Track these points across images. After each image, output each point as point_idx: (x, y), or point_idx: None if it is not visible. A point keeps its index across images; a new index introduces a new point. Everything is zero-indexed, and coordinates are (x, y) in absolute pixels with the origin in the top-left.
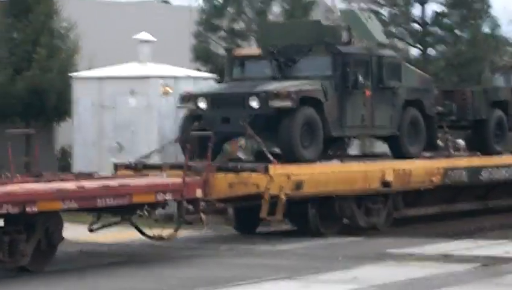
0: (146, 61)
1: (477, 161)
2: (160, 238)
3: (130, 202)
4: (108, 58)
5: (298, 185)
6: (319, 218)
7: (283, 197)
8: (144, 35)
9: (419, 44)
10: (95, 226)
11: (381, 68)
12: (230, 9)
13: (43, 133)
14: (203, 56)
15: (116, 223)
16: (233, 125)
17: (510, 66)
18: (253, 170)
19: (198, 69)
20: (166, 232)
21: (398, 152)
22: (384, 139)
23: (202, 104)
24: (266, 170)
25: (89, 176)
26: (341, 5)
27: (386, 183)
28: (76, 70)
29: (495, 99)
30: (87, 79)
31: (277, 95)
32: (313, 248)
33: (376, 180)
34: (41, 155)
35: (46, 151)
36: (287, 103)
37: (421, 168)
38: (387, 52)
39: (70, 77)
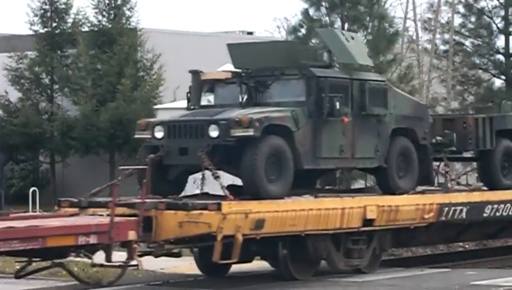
0: None
1: (478, 196)
2: (98, 284)
3: (43, 246)
4: None
5: (258, 224)
6: (292, 260)
7: (240, 237)
8: (227, 67)
9: (503, 75)
10: (23, 272)
11: (364, 94)
12: (314, 41)
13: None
14: None
15: (46, 268)
16: (191, 156)
17: None
18: (204, 208)
19: None
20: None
21: (386, 186)
22: (371, 172)
23: (159, 134)
24: (219, 208)
25: (6, 215)
26: (423, 35)
27: (368, 221)
28: (160, 102)
29: (502, 128)
30: (171, 110)
31: (239, 123)
32: (397, 279)
33: (356, 218)
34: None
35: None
36: (249, 132)
37: (411, 205)
38: (373, 76)
39: (155, 107)
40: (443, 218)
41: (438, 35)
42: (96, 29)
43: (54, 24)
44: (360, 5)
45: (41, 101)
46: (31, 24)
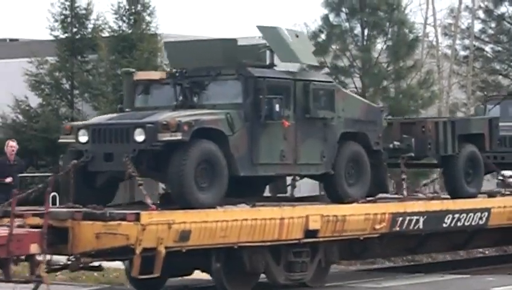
0: None
1: (437, 205)
2: None
3: None
4: None
5: (183, 236)
6: (227, 274)
7: (162, 250)
8: None
9: None
10: None
11: (308, 95)
12: (334, 46)
13: None
14: None
15: None
16: (117, 162)
17: (506, 94)
18: (123, 218)
19: None
20: None
21: (334, 194)
22: (318, 179)
23: (83, 138)
24: (137, 218)
25: None
26: (444, 40)
27: (311, 233)
28: None
29: (465, 132)
30: None
31: (166, 127)
32: (417, 285)
33: (297, 229)
34: None
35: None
36: (177, 136)
37: (360, 214)
38: (319, 76)
39: None
40: (397, 228)
41: (458, 41)
42: (116, 34)
43: (74, 29)
44: (380, 10)
45: (61, 107)
46: (52, 29)
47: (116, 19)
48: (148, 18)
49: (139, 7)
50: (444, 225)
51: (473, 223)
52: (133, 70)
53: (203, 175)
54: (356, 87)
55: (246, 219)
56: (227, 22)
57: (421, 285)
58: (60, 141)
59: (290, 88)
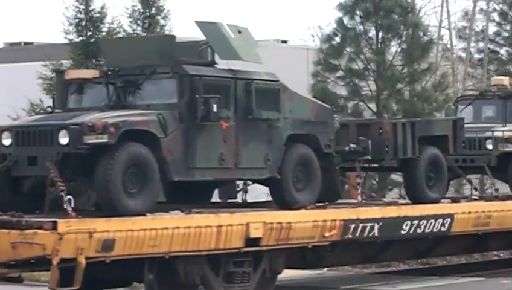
0: None
1: (393, 211)
2: None
3: None
4: None
5: (107, 246)
6: (160, 286)
7: (82, 261)
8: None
9: None
10: None
11: (250, 95)
12: (348, 49)
13: None
14: (321, 96)
15: None
16: (41, 167)
17: (478, 94)
18: (40, 227)
19: None
20: None
21: (281, 200)
22: (264, 184)
23: (7, 141)
24: (54, 227)
25: None
26: (458, 43)
27: (252, 241)
28: None
29: (426, 134)
30: None
31: (92, 129)
32: (432, 288)
33: (237, 237)
34: None
35: None
36: (103, 139)
37: (307, 221)
38: (263, 75)
39: None
40: (349, 236)
41: (472, 44)
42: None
43: (89, 33)
44: (394, 13)
45: None
46: (66, 33)
47: (131, 22)
48: (162, 21)
49: (153, 10)
50: (402, 232)
51: (435, 230)
52: (64, 69)
53: (132, 180)
54: (370, 90)
55: (178, 227)
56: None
57: (436, 288)
58: None
59: (230, 87)
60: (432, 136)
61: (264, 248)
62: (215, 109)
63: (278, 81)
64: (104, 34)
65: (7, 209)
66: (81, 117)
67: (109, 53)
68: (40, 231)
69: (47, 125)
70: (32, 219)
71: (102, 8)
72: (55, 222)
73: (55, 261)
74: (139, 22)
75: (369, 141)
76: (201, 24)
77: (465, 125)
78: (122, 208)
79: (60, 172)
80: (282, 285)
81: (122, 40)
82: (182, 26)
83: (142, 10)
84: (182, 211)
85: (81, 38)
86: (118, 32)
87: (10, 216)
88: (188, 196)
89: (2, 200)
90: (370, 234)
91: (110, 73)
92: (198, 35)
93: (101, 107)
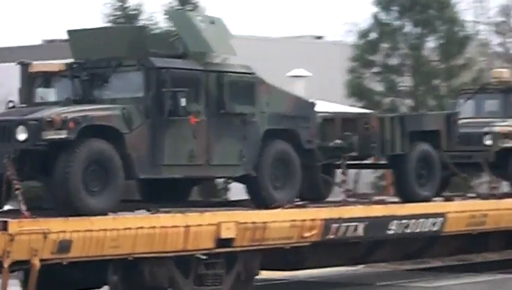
0: None
1: (379, 210)
2: None
3: None
4: None
5: (63, 247)
6: (126, 288)
7: (36, 263)
8: (298, 71)
9: None
10: None
11: (222, 88)
12: (384, 45)
13: None
14: (357, 92)
15: None
16: None
17: (479, 88)
18: None
19: (353, 105)
20: None
21: (258, 198)
22: (240, 181)
23: None
24: (4, 227)
25: None
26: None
27: (224, 241)
28: None
29: (417, 129)
30: None
31: (51, 124)
32: (469, 285)
33: (206, 238)
34: None
35: None
36: (62, 134)
37: (284, 221)
38: (236, 67)
39: None
40: (331, 236)
41: (509, 39)
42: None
43: None
44: (430, 8)
45: None
46: None
47: (167, 18)
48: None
49: (189, 7)
50: (389, 232)
51: (425, 230)
52: (29, 61)
53: (93, 178)
54: (407, 86)
55: (142, 227)
56: (278, 21)
57: (473, 284)
58: None
59: (200, 80)
60: (423, 131)
61: (238, 249)
62: (183, 103)
63: (253, 73)
64: None
65: None
66: (40, 112)
67: (76, 44)
68: None
69: (4, 121)
70: None
71: (139, 4)
72: (5, 222)
73: (6, 264)
74: None
75: (355, 137)
76: (171, 14)
77: (465, 120)
78: (83, 207)
79: (18, 169)
80: (315, 281)
81: (90, 31)
82: None
83: (178, 7)
84: (149, 211)
85: None
86: (154, 30)
87: None
88: (165, 194)
89: None
90: (354, 234)
91: (75, 66)
92: (234, 32)
93: (63, 102)
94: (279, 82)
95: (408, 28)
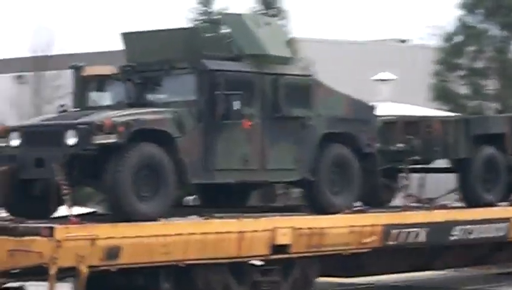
0: (387, 101)
1: (441, 215)
2: None
3: None
4: None
5: (112, 253)
6: None
7: (84, 270)
8: (384, 75)
9: None
10: None
11: (278, 91)
12: (469, 48)
13: None
14: (442, 95)
15: None
16: (48, 169)
17: None
18: (37, 233)
19: (438, 109)
20: None
21: (316, 204)
22: (298, 186)
23: (15, 141)
24: (51, 233)
25: None
26: None
27: (279, 248)
28: None
29: (482, 133)
30: None
31: (101, 128)
32: None
33: (262, 244)
34: None
35: None
36: (112, 139)
37: (342, 227)
38: (293, 69)
39: None
40: (392, 242)
41: None
42: None
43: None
44: None
45: None
46: None
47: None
48: (282, 22)
49: (273, 11)
50: (452, 238)
51: (490, 235)
52: (81, 64)
53: (144, 183)
54: (493, 89)
55: (194, 233)
56: (362, 26)
57: None
58: None
59: (255, 83)
60: (488, 134)
61: (294, 255)
62: (237, 107)
63: (310, 76)
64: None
65: (20, 214)
66: (90, 116)
67: (130, 47)
68: (37, 238)
69: (55, 125)
70: (30, 225)
71: (223, 9)
72: (51, 228)
73: (52, 271)
74: None
75: (417, 140)
76: (225, 16)
77: None
78: (133, 212)
79: (68, 174)
80: (400, 285)
81: (144, 34)
82: (301, 27)
83: (262, 11)
84: (202, 216)
85: None
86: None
87: (11, 222)
88: (222, 199)
89: (12, 205)
90: (415, 240)
91: (127, 69)
92: (321, 37)
93: (115, 106)
94: (365, 86)
95: (493, 31)
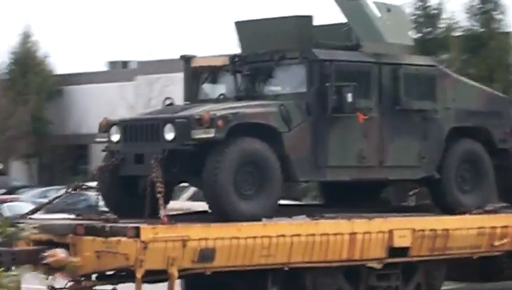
0: None
1: None
2: None
3: None
4: None
5: (205, 255)
6: None
7: (175, 273)
8: None
9: None
10: None
11: (398, 82)
12: None
13: None
14: None
15: None
16: (147, 165)
17: None
18: (124, 234)
19: None
20: None
21: (443, 203)
22: (423, 184)
23: (115, 136)
24: (137, 234)
25: None
26: None
27: (397, 251)
28: None
29: None
30: None
31: (199, 122)
32: None
33: (377, 247)
34: None
35: None
36: (210, 133)
37: (470, 228)
38: (414, 59)
39: None
40: None
41: None
42: (467, 33)
43: (427, 29)
44: None
45: None
46: None
47: (468, 17)
48: (499, 16)
49: (490, 5)
50: None
51: None
52: (191, 55)
53: (245, 180)
54: None
55: (299, 235)
56: None
57: None
58: (96, 140)
59: (371, 74)
60: None
61: (415, 258)
62: (350, 99)
63: (435, 65)
64: (441, 30)
65: (124, 212)
66: (191, 110)
67: (245, 37)
68: (123, 239)
69: (153, 119)
70: (119, 225)
71: (440, 3)
72: (138, 228)
73: (139, 274)
74: (476, 17)
75: None
76: (340, 2)
77: None
78: (233, 211)
79: (167, 170)
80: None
81: (257, 22)
82: None
83: (479, 6)
84: (310, 216)
85: (419, 34)
86: (455, 29)
87: (104, 221)
88: (349, 198)
89: (114, 202)
90: None
91: (236, 60)
92: None
93: (223, 98)
94: None
95: None
